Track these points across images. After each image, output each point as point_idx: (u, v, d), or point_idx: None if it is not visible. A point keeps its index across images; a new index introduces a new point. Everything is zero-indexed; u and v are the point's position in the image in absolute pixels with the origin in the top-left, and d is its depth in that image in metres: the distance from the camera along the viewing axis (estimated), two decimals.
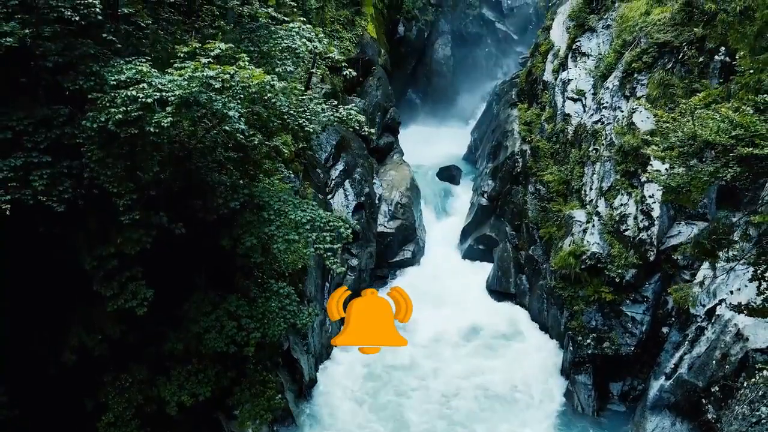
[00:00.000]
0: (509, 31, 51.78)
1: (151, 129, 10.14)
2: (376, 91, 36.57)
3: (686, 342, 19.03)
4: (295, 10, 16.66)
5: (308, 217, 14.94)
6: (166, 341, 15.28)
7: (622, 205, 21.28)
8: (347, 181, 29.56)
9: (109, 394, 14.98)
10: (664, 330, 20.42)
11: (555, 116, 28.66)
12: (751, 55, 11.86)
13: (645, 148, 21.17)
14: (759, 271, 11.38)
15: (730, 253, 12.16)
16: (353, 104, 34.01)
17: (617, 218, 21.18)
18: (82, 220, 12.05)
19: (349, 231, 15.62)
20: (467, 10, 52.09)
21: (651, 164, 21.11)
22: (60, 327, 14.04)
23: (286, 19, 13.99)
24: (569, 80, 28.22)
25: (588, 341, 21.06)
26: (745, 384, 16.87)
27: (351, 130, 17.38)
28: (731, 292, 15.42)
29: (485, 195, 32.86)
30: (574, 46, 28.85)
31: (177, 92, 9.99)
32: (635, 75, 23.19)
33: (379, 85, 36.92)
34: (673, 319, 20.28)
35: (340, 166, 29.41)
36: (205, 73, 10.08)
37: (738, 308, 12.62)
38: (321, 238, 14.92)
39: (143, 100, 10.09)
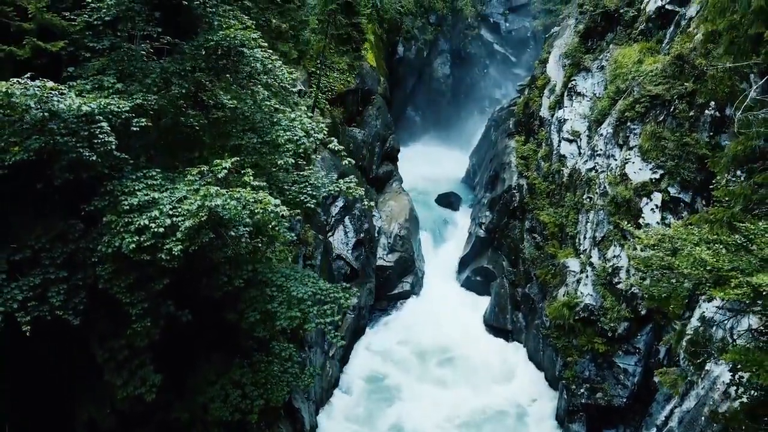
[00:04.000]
0: (507, 53, 52.22)
1: (163, 256, 10.72)
2: (376, 120, 36.95)
3: (677, 395, 19.59)
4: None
5: (310, 292, 15.50)
6: (172, 409, 15.87)
7: (614, 256, 21.77)
8: (347, 217, 29.97)
9: None
10: (656, 380, 20.94)
11: (551, 155, 29.16)
12: (725, 185, 12.39)
13: (636, 201, 21.75)
14: (736, 377, 11.98)
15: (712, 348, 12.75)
16: (356, 131, 34.67)
17: (610, 270, 21.67)
18: (94, 319, 12.58)
19: (350, 301, 16.21)
20: (466, 31, 52.61)
21: (643, 217, 21.68)
22: (71, 403, 14.58)
23: (287, 110, 14.51)
24: (565, 120, 28.73)
25: (582, 391, 21.57)
26: None
27: (348, 164, 17.97)
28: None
29: (483, 227, 33.31)
30: (569, 85, 29.34)
31: (187, 223, 10.55)
32: (628, 124, 23.61)
33: (378, 115, 37.30)
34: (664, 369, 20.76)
35: (340, 203, 29.80)
36: (214, 203, 10.62)
37: (716, 417, 13.17)
38: (322, 311, 15.49)
39: (155, 230, 10.66)
